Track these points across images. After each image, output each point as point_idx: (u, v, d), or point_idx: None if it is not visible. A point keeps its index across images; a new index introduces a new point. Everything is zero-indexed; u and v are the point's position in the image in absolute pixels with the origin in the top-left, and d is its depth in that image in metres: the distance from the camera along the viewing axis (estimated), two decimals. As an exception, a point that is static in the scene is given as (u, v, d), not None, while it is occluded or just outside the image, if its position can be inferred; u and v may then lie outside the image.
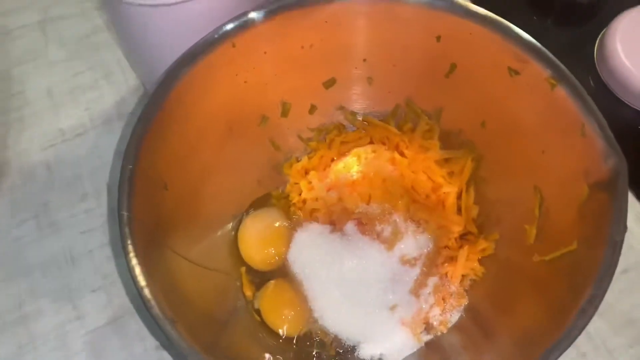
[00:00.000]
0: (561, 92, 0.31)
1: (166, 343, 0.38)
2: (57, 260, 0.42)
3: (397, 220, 0.36)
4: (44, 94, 0.49)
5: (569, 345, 0.27)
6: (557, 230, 0.32)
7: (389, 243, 0.36)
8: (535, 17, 0.51)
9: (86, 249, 0.42)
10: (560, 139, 0.32)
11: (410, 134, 0.41)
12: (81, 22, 0.53)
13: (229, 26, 0.34)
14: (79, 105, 0.48)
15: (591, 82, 0.48)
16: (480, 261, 0.37)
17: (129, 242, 0.29)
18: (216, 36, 0.33)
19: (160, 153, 0.33)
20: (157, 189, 0.33)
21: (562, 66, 0.31)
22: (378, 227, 0.36)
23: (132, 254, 0.29)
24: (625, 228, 0.27)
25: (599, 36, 0.49)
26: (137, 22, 0.34)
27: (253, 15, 0.34)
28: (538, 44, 0.32)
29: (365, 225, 0.36)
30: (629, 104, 0.46)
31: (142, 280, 0.28)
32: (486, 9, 0.50)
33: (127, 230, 0.30)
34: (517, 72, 0.33)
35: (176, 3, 0.32)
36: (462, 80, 0.37)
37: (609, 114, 0.46)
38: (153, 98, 0.32)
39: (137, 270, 0.29)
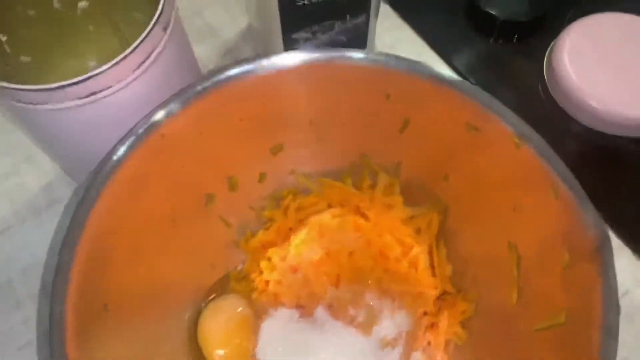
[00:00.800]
0: (527, 152, 0.29)
1: None
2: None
3: (371, 302, 0.33)
4: (-44, 188, 0.44)
5: None
6: (540, 294, 0.30)
7: (365, 328, 0.33)
8: (477, 36, 0.49)
9: (29, 366, 0.38)
10: (533, 198, 0.30)
11: (370, 192, 0.38)
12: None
13: (154, 118, 0.30)
14: (1, 195, 0.43)
15: (542, 94, 0.47)
16: (462, 324, 0.35)
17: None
18: (141, 131, 0.29)
19: (95, 278, 0.28)
20: (95, 314, 0.29)
21: (526, 126, 0.29)
22: (351, 311, 0.33)
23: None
24: (618, 310, 0.25)
25: (547, 51, 0.47)
26: (45, 124, 0.30)
27: (176, 104, 0.30)
28: (497, 103, 0.29)
29: (337, 311, 0.33)
30: (578, 120, 0.45)
31: None
32: (427, 32, 0.50)
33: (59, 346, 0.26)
34: (476, 129, 0.31)
35: (89, 102, 0.28)
36: (418, 135, 0.34)
37: (559, 131, 0.45)
38: (77, 214, 0.28)
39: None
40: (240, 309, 0.35)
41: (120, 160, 0.29)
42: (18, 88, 0.27)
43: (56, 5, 0.35)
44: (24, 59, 0.35)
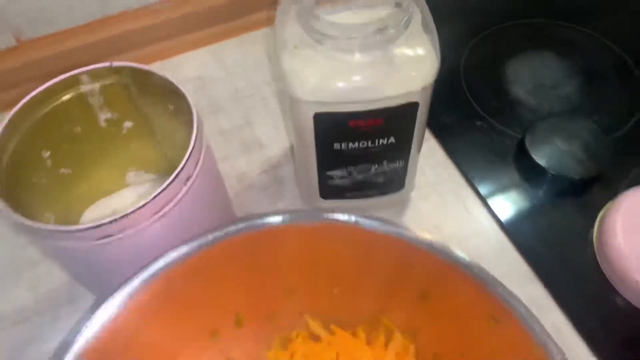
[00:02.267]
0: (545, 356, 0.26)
1: None
2: None
3: None
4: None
5: None
6: None
7: None
8: (525, 186, 0.47)
9: None
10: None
11: (383, 352, 0.35)
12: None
13: (163, 262, 0.29)
14: (22, 284, 0.44)
15: (588, 256, 0.43)
16: None
17: None
18: (148, 275, 0.29)
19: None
20: None
21: (545, 332, 0.26)
22: None
23: None
24: None
25: (599, 216, 0.44)
26: (62, 254, 0.30)
27: (186, 249, 0.30)
28: (519, 301, 0.27)
29: None
30: (624, 296, 0.41)
31: None
32: (471, 173, 0.48)
33: None
34: (496, 320, 0.28)
35: (105, 242, 0.28)
36: (437, 307, 0.32)
37: (605, 304, 0.41)
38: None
39: None
40: None
41: (127, 297, 0.29)
42: (37, 227, 0.27)
43: (102, 124, 0.37)
44: (64, 171, 0.36)
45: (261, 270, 0.33)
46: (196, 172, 0.30)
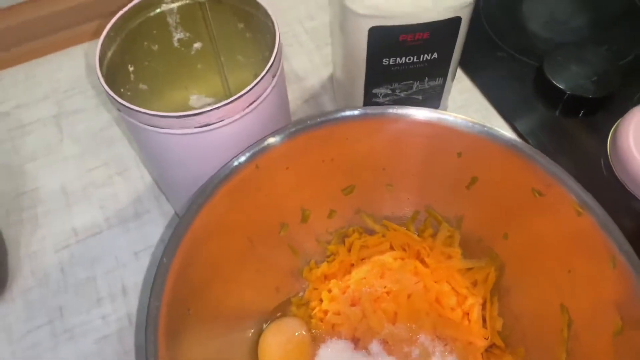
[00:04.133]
0: (587, 220, 0.31)
1: None
2: (72, 369, 0.41)
3: (424, 341, 0.36)
4: (57, 191, 0.49)
5: None
6: (589, 357, 0.32)
7: (418, 365, 0.35)
8: (543, 106, 0.52)
9: (100, 358, 0.41)
10: (588, 264, 0.32)
11: (431, 241, 0.40)
12: (95, 116, 0.53)
13: (253, 150, 0.34)
14: (93, 203, 0.48)
15: (604, 171, 0.48)
16: (508, 378, 0.36)
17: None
18: (242, 160, 0.34)
19: (184, 281, 0.32)
20: (181, 314, 0.32)
21: (589, 195, 0.31)
22: (405, 349, 0.35)
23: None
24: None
25: (612, 128, 0.49)
26: (161, 145, 0.34)
27: (274, 139, 0.34)
28: (563, 171, 0.32)
29: (391, 346, 0.36)
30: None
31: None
32: (494, 96, 0.53)
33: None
34: (540, 194, 0.33)
35: (201, 131, 0.32)
36: (484, 193, 0.37)
37: (620, 207, 0.47)
38: (177, 231, 0.32)
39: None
40: (299, 332, 0.38)
41: (222, 181, 0.33)
42: (150, 113, 0.31)
43: (175, 44, 0.40)
44: (142, 86, 0.40)
45: (330, 166, 0.37)
46: (279, 69, 0.34)
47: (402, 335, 0.35)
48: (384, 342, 0.36)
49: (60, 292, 0.44)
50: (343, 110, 0.35)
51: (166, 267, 0.31)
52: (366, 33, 0.39)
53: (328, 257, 0.42)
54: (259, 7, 0.36)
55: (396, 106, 0.35)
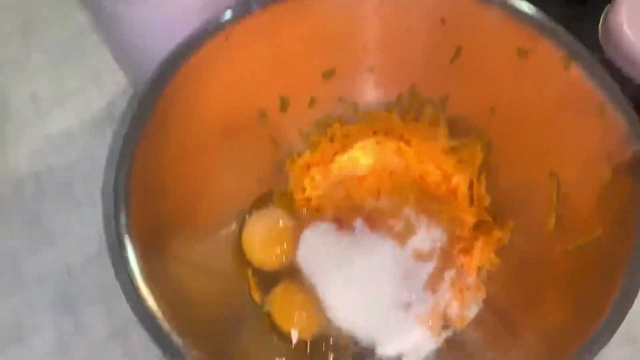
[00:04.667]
0: (576, 71, 0.30)
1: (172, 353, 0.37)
2: (53, 272, 0.40)
3: (409, 214, 0.35)
4: (28, 100, 0.47)
5: (603, 345, 0.25)
6: (578, 216, 0.31)
7: (401, 238, 0.34)
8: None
9: (83, 259, 0.40)
10: (577, 121, 0.31)
11: (415, 124, 0.39)
12: (65, 25, 0.51)
13: (221, 18, 0.32)
14: (67, 110, 0.46)
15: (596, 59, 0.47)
16: (496, 252, 0.35)
17: (127, 249, 0.28)
18: (208, 29, 0.32)
19: (155, 155, 0.31)
20: (155, 193, 0.31)
21: (577, 42, 0.30)
22: (389, 222, 0.34)
23: (131, 263, 0.28)
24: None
25: (604, 12, 0.47)
26: (121, 21, 0.32)
27: (242, 9, 0.32)
28: (549, 20, 0.30)
29: (375, 222, 0.35)
30: (634, 79, 0.45)
31: (143, 290, 0.27)
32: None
33: (125, 237, 0.28)
34: (526, 54, 0.32)
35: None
36: (468, 65, 0.35)
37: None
38: (143, 98, 0.31)
39: (138, 279, 0.27)
40: (282, 221, 0.37)
41: (188, 53, 0.31)
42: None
43: None
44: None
45: (307, 45, 0.36)
46: None
47: (386, 209, 0.35)
48: (368, 220, 0.35)
49: (37, 198, 0.43)
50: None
51: (133, 137, 0.30)
52: None
53: (310, 148, 0.41)
54: None
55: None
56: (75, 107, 0.46)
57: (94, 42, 0.49)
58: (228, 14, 0.32)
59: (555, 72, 0.31)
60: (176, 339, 0.27)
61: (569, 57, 0.30)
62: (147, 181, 0.30)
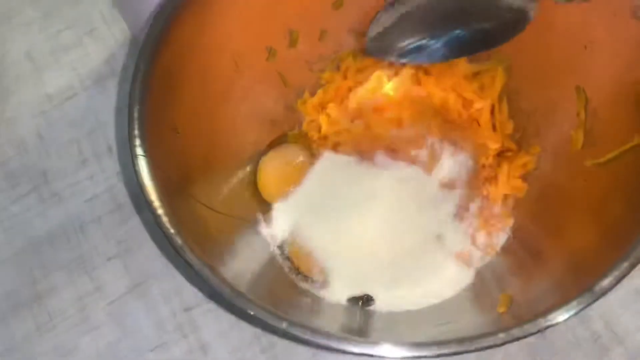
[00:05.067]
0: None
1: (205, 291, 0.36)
2: (65, 231, 0.39)
3: (433, 142, 0.33)
4: (23, 58, 0.45)
5: (629, 271, 0.24)
6: (610, 128, 0.29)
7: (427, 166, 0.33)
8: None
9: (94, 216, 0.39)
10: (608, 28, 0.29)
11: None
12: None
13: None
14: (64, 66, 0.44)
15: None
16: (523, 178, 0.34)
17: (149, 194, 0.27)
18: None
19: (166, 94, 0.30)
20: (169, 132, 0.30)
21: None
22: (413, 152, 0.33)
23: (155, 203, 0.26)
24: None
25: None
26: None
27: None
28: None
29: (398, 152, 0.33)
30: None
31: (171, 227, 0.25)
32: None
33: (147, 176, 0.27)
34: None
35: None
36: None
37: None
38: (148, 38, 0.29)
39: (165, 219, 0.26)
40: (300, 158, 0.36)
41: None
42: None
43: None
44: None
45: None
46: None
47: (409, 137, 0.33)
48: (390, 151, 0.34)
49: (42, 158, 0.41)
50: None
51: (143, 76, 0.28)
52: None
53: (323, 86, 0.39)
54: None
55: None
56: (73, 63, 0.44)
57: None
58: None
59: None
60: (211, 274, 0.25)
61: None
62: (160, 120, 0.29)
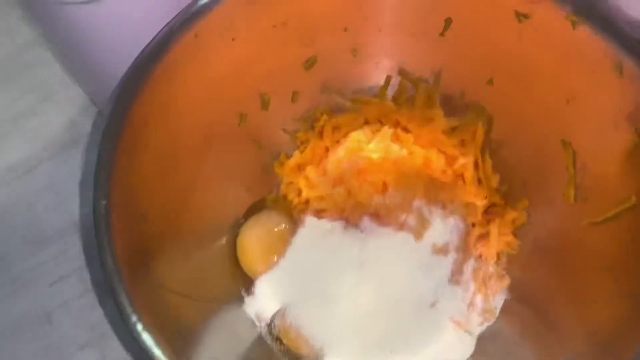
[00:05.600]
0: (585, 28, 0.27)
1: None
2: (30, 321, 0.36)
3: (420, 206, 0.32)
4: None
5: None
6: (602, 186, 0.28)
7: (417, 232, 0.31)
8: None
9: (61, 301, 0.36)
10: (589, 83, 0.28)
11: (409, 106, 0.36)
12: (7, 41, 0.46)
13: (188, 13, 0.28)
14: (24, 134, 0.42)
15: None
16: (514, 233, 0.33)
17: (115, 281, 0.24)
18: (175, 27, 0.28)
19: (133, 178, 0.27)
20: (136, 221, 0.28)
21: (583, 1, 0.27)
22: (400, 218, 0.31)
23: (124, 302, 0.24)
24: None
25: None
26: (74, 24, 0.28)
27: (207, 2, 0.28)
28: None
29: (385, 218, 0.32)
30: None
31: (139, 326, 0.23)
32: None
33: (113, 272, 0.24)
34: (526, 16, 0.29)
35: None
36: (461, 35, 0.33)
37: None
38: (112, 117, 0.27)
39: (134, 318, 0.24)
40: (282, 224, 0.34)
41: (156, 57, 0.27)
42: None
43: None
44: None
45: (283, 33, 0.32)
46: None
47: (395, 203, 0.32)
48: (377, 216, 0.32)
49: (1, 239, 0.38)
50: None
51: (106, 162, 0.26)
52: None
53: (299, 147, 0.37)
54: None
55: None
56: (33, 131, 0.42)
57: (42, 56, 0.45)
58: (192, 8, 0.28)
59: (561, 31, 0.28)
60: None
61: (575, 14, 0.27)
62: (127, 210, 0.27)
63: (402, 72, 0.36)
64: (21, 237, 0.38)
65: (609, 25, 0.26)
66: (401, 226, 0.31)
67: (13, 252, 0.38)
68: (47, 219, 0.39)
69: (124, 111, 0.27)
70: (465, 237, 0.32)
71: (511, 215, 0.33)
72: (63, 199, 0.39)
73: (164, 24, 0.28)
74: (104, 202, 0.25)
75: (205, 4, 0.28)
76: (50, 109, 0.43)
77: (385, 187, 0.33)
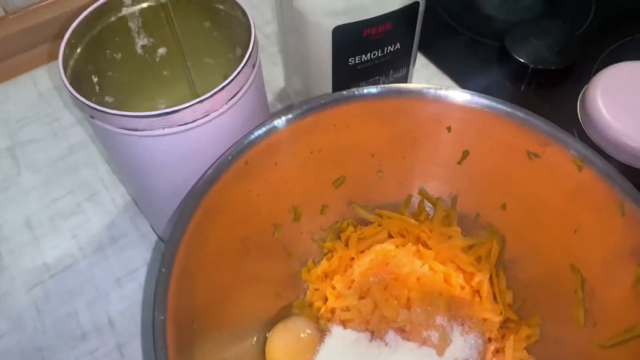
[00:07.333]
0: (589, 172, 0.31)
1: None
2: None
3: (442, 323, 0.34)
4: (21, 226, 0.45)
5: None
6: (611, 311, 0.31)
7: (439, 348, 0.34)
8: (509, 83, 0.53)
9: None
10: (595, 218, 0.32)
11: (428, 223, 0.39)
12: (54, 143, 0.50)
13: (241, 146, 0.32)
14: (63, 233, 0.45)
15: (576, 136, 0.49)
16: (528, 349, 0.35)
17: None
18: (230, 157, 0.32)
19: (185, 292, 0.30)
20: (187, 329, 0.30)
21: (587, 148, 0.31)
22: (424, 334, 0.34)
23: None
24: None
25: (580, 95, 0.50)
26: (141, 151, 0.32)
27: (258, 135, 0.32)
28: (558, 128, 0.32)
29: (409, 333, 0.34)
30: (615, 157, 0.47)
31: None
32: (460, 78, 0.53)
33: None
34: (536, 155, 0.33)
35: (184, 129, 0.31)
36: (476, 166, 0.36)
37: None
38: (171, 243, 0.30)
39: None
40: (308, 331, 0.36)
41: (211, 182, 0.31)
42: (130, 115, 0.29)
43: (139, 51, 0.38)
44: (108, 99, 0.38)
45: (318, 158, 0.36)
46: (257, 60, 0.32)
47: (419, 320, 0.34)
48: (401, 330, 0.35)
49: (39, 333, 0.40)
50: (330, 95, 0.33)
51: (166, 278, 0.29)
52: (330, 34, 0.38)
53: (325, 254, 0.40)
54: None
55: (384, 86, 0.34)
56: (73, 230, 0.45)
57: (86, 158, 0.49)
58: (246, 143, 0.32)
59: (568, 173, 0.32)
60: None
61: (581, 160, 0.31)
62: (179, 321, 0.29)
63: (422, 193, 0.39)
64: (60, 331, 0.40)
65: (610, 172, 0.30)
66: (424, 341, 0.34)
67: (51, 346, 0.39)
68: (86, 314, 0.41)
69: (179, 237, 0.30)
70: (483, 352, 0.34)
71: (525, 331, 0.35)
72: (101, 295, 0.42)
73: (218, 154, 0.32)
74: (162, 318, 0.27)
75: (256, 136, 0.32)
76: (91, 208, 0.46)
77: (409, 302, 0.35)
